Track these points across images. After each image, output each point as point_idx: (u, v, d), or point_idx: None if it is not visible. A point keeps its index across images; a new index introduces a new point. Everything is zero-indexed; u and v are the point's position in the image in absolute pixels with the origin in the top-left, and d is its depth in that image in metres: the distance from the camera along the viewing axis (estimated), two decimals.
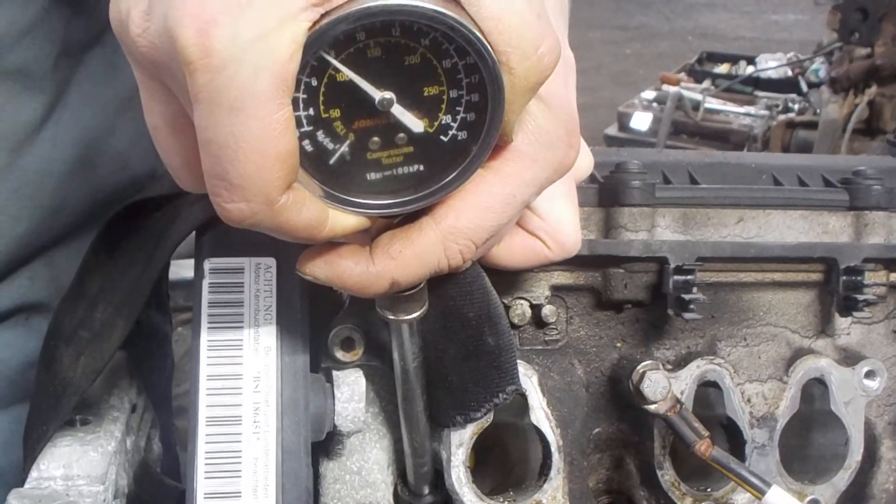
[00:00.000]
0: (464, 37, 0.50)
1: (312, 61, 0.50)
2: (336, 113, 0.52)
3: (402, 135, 0.54)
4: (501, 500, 0.76)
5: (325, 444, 0.75)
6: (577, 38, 0.61)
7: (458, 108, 0.54)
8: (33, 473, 0.73)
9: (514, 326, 0.78)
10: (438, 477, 0.76)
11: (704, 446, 0.74)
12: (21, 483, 0.73)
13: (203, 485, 0.65)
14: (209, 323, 0.68)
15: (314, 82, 0.51)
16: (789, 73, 4.57)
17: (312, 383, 0.70)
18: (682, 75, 4.77)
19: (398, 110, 0.53)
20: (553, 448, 0.75)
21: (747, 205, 0.82)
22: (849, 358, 0.84)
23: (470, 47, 0.50)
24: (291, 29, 0.47)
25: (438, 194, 0.56)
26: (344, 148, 0.54)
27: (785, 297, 0.84)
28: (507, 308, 0.77)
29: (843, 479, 0.82)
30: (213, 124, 0.49)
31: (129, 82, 1.18)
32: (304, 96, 0.51)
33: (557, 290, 0.79)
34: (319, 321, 0.73)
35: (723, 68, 4.82)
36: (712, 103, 4.20)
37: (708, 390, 0.80)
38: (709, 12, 10.46)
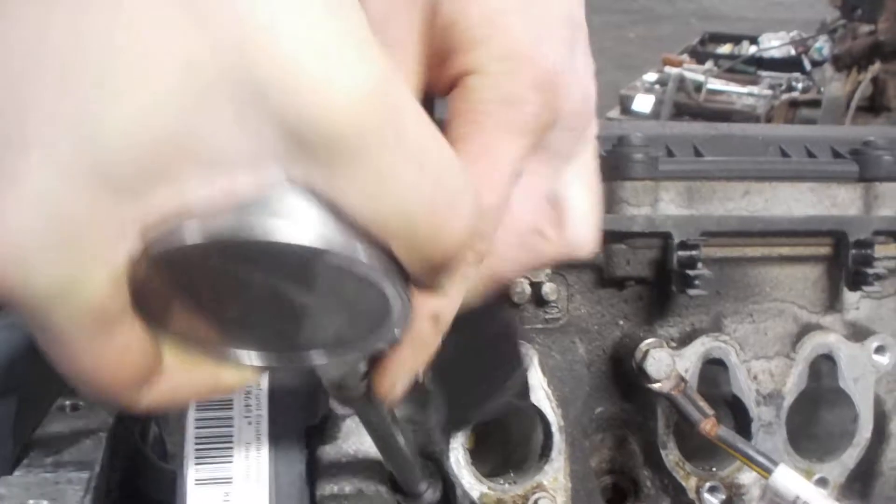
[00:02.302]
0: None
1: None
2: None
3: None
4: (501, 481, 0.74)
5: (322, 428, 0.73)
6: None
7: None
8: (24, 461, 0.72)
9: (513, 305, 0.76)
10: (434, 470, 0.73)
11: (710, 425, 0.72)
12: (10, 471, 0.72)
13: (194, 470, 0.63)
14: None
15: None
16: (792, 52, 4.53)
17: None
18: (685, 57, 4.73)
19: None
20: (554, 428, 0.73)
21: (753, 177, 0.80)
22: (858, 333, 0.82)
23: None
24: (109, 263, 0.38)
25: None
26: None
27: (792, 271, 0.81)
28: (507, 286, 0.75)
29: (851, 456, 0.80)
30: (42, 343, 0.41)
31: None
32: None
33: (558, 267, 0.77)
34: None
35: (725, 49, 4.78)
36: (715, 84, 4.16)
37: (713, 368, 0.78)
38: None
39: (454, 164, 0.40)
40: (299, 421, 0.67)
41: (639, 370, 0.74)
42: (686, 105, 4.06)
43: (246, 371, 0.45)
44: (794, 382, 0.79)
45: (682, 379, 0.75)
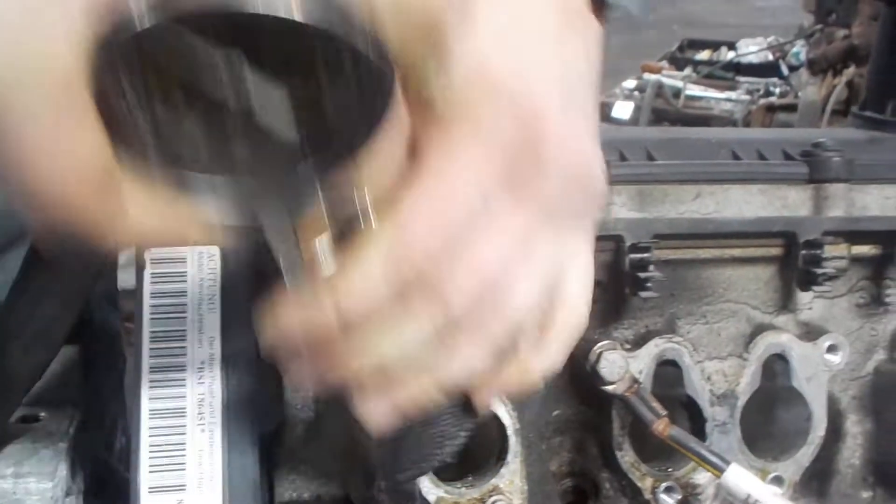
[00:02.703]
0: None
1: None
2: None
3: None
4: (459, 485, 0.74)
5: (279, 434, 0.74)
6: None
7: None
8: None
9: None
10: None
11: (662, 425, 0.73)
12: None
13: (146, 479, 0.63)
14: (151, 314, 0.67)
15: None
16: (770, 57, 4.56)
17: (261, 372, 0.69)
18: (664, 63, 4.76)
19: None
20: (509, 432, 0.74)
21: (704, 180, 0.81)
22: (811, 333, 0.83)
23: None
24: (68, 31, 0.37)
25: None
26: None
27: (745, 272, 0.82)
28: None
29: (806, 454, 0.81)
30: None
31: None
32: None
33: None
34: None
35: (704, 55, 4.81)
36: (693, 90, 4.19)
37: (668, 369, 0.79)
38: (693, 1, 10.47)
39: None
40: (254, 428, 0.67)
41: (593, 372, 0.75)
42: (665, 111, 4.09)
43: (203, 221, 0.43)
44: (747, 382, 0.80)
45: (636, 380, 0.75)
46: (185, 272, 0.67)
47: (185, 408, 0.65)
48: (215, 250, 0.68)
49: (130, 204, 0.41)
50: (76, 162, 0.40)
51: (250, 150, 0.41)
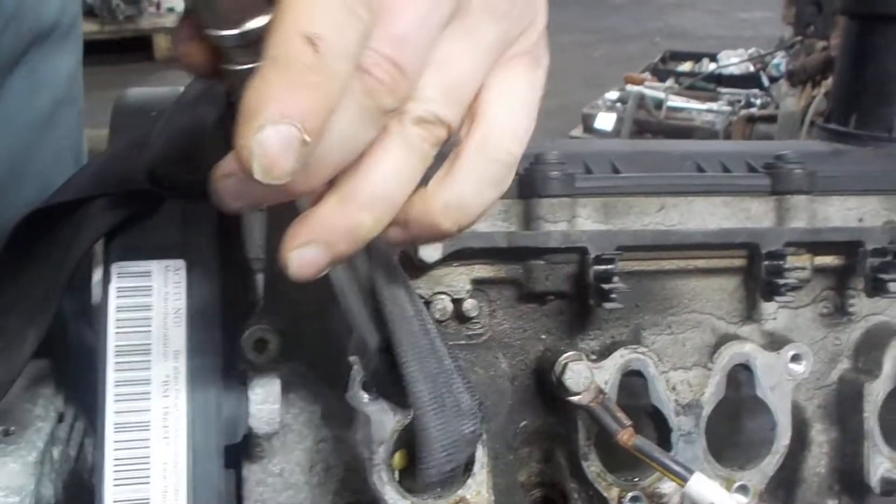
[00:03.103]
0: None
1: None
2: None
3: None
4: (426, 497, 0.75)
5: (246, 447, 0.74)
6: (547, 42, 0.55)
7: None
8: None
9: (436, 322, 0.78)
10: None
11: (627, 436, 0.74)
12: None
13: (112, 492, 0.64)
14: (116, 328, 0.67)
15: None
16: (751, 68, 4.60)
17: (226, 386, 0.69)
18: (647, 75, 4.79)
19: None
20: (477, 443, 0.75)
21: (668, 192, 0.82)
22: (776, 342, 0.84)
23: None
24: None
25: None
26: None
27: (709, 283, 0.83)
28: (428, 304, 0.77)
29: (770, 464, 0.82)
30: None
31: (47, 101, 1.18)
32: None
33: (479, 283, 0.78)
34: (237, 322, 0.73)
35: (686, 66, 4.85)
36: (675, 101, 4.22)
37: (634, 379, 0.80)
38: (677, 12, 10.53)
39: None
40: (219, 441, 0.67)
41: (558, 383, 0.76)
42: (647, 122, 4.12)
43: None
44: (711, 392, 0.81)
45: (601, 391, 0.76)
46: (151, 286, 0.68)
47: (149, 421, 0.65)
48: (181, 264, 0.69)
49: None
50: None
51: None
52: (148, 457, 0.65)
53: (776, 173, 0.83)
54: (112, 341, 0.66)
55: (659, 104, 4.13)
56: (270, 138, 0.40)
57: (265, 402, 0.70)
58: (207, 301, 0.69)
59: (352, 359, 0.69)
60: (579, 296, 0.79)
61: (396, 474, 0.79)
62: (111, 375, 0.66)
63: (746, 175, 0.84)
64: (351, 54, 0.42)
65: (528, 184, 0.78)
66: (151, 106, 0.75)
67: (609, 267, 0.76)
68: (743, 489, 0.81)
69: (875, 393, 0.85)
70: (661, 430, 0.81)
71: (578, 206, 0.79)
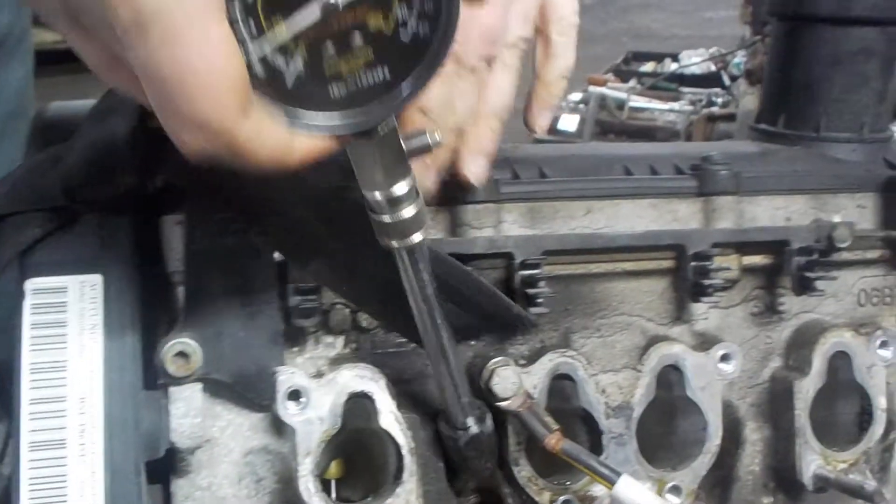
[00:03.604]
0: None
1: None
2: (279, 23, 0.49)
3: (357, 38, 0.51)
4: None
5: (172, 462, 0.74)
6: None
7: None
8: None
9: (362, 330, 0.78)
10: (484, 408, 0.75)
11: (554, 440, 0.74)
12: None
13: None
14: (31, 345, 0.66)
15: None
16: (713, 68, 4.64)
17: (145, 400, 0.69)
18: (610, 76, 4.82)
19: None
20: (405, 451, 0.75)
21: (595, 196, 0.82)
22: (706, 343, 0.84)
23: None
24: None
25: (406, 100, 0.53)
26: (298, 65, 0.50)
27: (638, 285, 0.84)
28: (355, 312, 0.77)
29: (703, 463, 0.82)
30: (147, 58, 0.46)
31: (10, 100, 1.16)
32: (241, 12, 0.48)
33: None
34: (157, 336, 0.72)
35: (648, 67, 4.88)
36: (637, 101, 4.25)
37: (564, 383, 0.80)
38: (643, 13, 10.59)
39: None
40: (139, 456, 0.67)
41: (487, 389, 0.76)
42: (609, 123, 4.14)
43: (315, 139, 0.52)
44: (642, 393, 0.81)
45: (530, 396, 0.76)
46: (67, 302, 0.67)
47: (65, 439, 0.65)
48: (97, 279, 0.68)
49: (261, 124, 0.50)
50: (222, 74, 0.46)
51: (344, 91, 0.52)
52: (65, 475, 0.64)
53: (702, 175, 0.84)
54: (27, 359, 0.65)
55: (621, 105, 4.15)
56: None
57: (186, 415, 0.69)
58: (125, 316, 0.68)
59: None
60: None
61: (333, 484, 0.79)
62: (26, 394, 0.65)
63: (673, 177, 0.85)
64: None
65: (454, 190, 0.78)
66: (72, 120, 0.74)
67: (535, 272, 0.77)
68: (675, 490, 0.82)
69: (805, 390, 0.86)
70: (592, 433, 0.81)
71: (504, 211, 0.79)
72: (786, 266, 0.85)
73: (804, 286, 0.84)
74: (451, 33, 0.52)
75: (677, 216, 0.84)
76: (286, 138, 0.52)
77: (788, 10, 0.94)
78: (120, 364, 0.67)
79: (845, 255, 0.88)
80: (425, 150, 0.59)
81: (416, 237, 0.61)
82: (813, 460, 0.86)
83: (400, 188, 0.57)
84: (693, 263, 0.81)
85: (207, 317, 0.70)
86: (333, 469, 0.79)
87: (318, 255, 0.69)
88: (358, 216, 0.60)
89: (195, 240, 0.69)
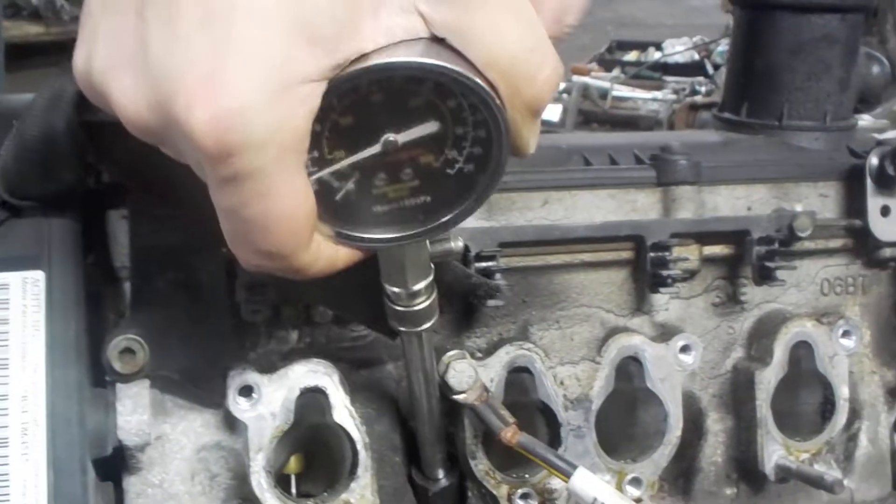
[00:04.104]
0: (463, 87, 0.50)
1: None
2: (340, 154, 0.52)
3: (408, 170, 0.54)
4: (310, 502, 0.74)
5: (124, 459, 0.73)
6: None
7: (463, 144, 0.54)
8: None
9: (316, 325, 0.77)
10: (453, 459, 0.79)
11: (510, 433, 0.73)
12: None
13: None
14: None
15: (317, 128, 0.50)
16: (696, 56, 4.63)
17: (91, 398, 0.67)
18: (593, 65, 4.81)
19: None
20: (359, 446, 0.74)
21: (553, 187, 0.81)
22: (667, 334, 0.84)
23: (472, 95, 0.50)
24: (306, 108, 0.47)
25: (446, 226, 0.56)
26: (350, 185, 0.54)
27: (597, 276, 0.83)
28: (308, 308, 0.76)
29: (663, 455, 0.82)
30: (237, 204, 0.49)
31: None
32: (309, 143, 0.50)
33: None
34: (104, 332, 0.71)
35: (632, 56, 4.87)
36: (621, 91, 4.24)
37: (523, 376, 0.80)
38: (629, 1, 10.57)
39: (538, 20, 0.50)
40: (84, 455, 0.66)
41: (443, 382, 0.75)
42: (593, 113, 4.13)
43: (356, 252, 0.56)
44: (601, 385, 0.81)
45: (486, 389, 0.75)
46: (9, 299, 0.66)
47: (7, 438, 0.63)
48: (40, 275, 0.67)
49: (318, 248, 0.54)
50: (301, 220, 0.51)
51: (387, 209, 0.55)
52: (7, 474, 0.63)
53: (661, 165, 0.83)
54: None
55: (604, 94, 4.15)
56: None
57: (133, 413, 0.68)
58: (69, 312, 0.67)
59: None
60: (463, 294, 0.78)
61: (293, 479, 0.78)
62: None
63: (632, 167, 0.84)
64: None
65: None
66: (14, 113, 0.72)
67: (490, 264, 0.76)
68: (635, 482, 0.81)
69: (766, 380, 0.85)
70: (551, 426, 0.80)
71: None
72: (746, 256, 0.84)
73: (764, 276, 0.84)
74: (498, 176, 0.55)
75: (636, 206, 0.83)
76: (334, 255, 0.56)
77: None
78: (64, 361, 0.66)
79: (807, 245, 0.88)
80: (449, 255, 0.63)
81: (426, 326, 0.65)
82: (775, 451, 0.86)
83: (419, 286, 0.62)
84: (652, 254, 0.80)
85: (154, 313, 0.69)
86: (293, 464, 0.78)
87: None
88: None
89: (139, 235, 0.68)
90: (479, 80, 0.49)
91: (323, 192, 0.53)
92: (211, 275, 0.69)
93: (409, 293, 0.63)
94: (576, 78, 4.34)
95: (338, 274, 0.57)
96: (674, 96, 4.15)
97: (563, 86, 4.44)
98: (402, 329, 0.66)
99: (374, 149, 0.52)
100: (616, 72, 4.57)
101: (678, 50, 4.68)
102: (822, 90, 0.91)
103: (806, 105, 0.92)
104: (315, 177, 0.52)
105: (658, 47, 4.84)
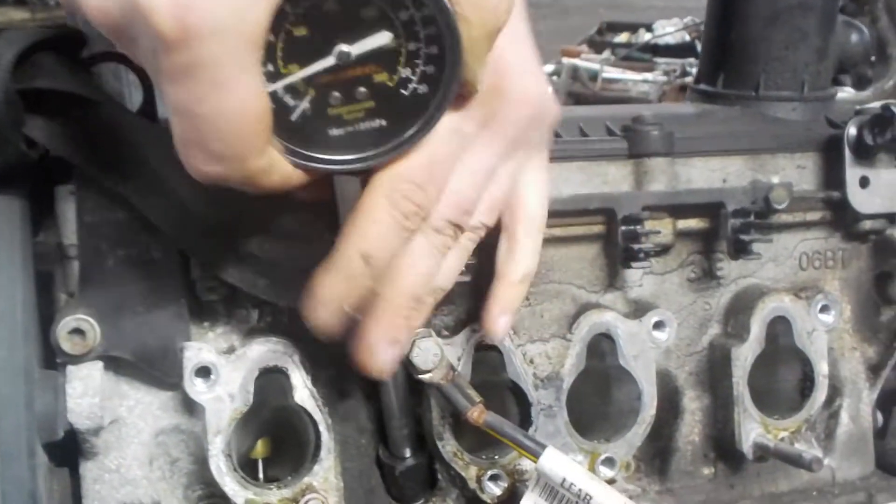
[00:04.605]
0: None
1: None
2: (294, 69, 0.52)
3: (362, 89, 0.54)
4: (271, 486, 0.72)
5: (72, 444, 0.70)
6: None
7: (416, 61, 0.54)
8: None
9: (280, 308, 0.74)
10: (420, 439, 0.77)
11: (477, 413, 0.71)
12: None
13: None
14: None
15: (271, 38, 0.50)
16: (687, 37, 4.59)
17: (40, 380, 0.65)
18: (584, 47, 4.76)
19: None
20: (322, 427, 0.72)
21: None
22: (640, 310, 0.81)
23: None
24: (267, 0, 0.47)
25: (401, 148, 0.57)
26: (305, 104, 0.54)
27: (567, 251, 0.81)
28: None
29: (637, 434, 0.80)
30: (189, 97, 0.48)
31: None
32: (263, 53, 0.50)
33: None
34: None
35: (622, 37, 4.82)
36: (611, 72, 4.19)
37: (492, 354, 0.77)
38: None
39: None
40: (31, 438, 0.64)
41: (407, 361, 0.73)
42: (583, 95, 4.09)
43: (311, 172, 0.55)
44: (572, 363, 0.79)
45: (453, 368, 0.73)
46: None
47: None
48: None
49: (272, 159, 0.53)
50: (254, 119, 0.50)
51: (343, 133, 0.55)
52: None
53: (632, 136, 0.81)
54: None
55: (594, 76, 4.11)
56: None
57: (84, 395, 0.66)
58: (15, 292, 0.64)
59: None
60: None
61: (261, 463, 0.76)
62: None
63: (602, 139, 0.82)
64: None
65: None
66: None
67: None
68: (609, 461, 0.79)
69: (743, 357, 0.83)
70: (521, 405, 0.78)
71: None
72: (721, 229, 0.82)
73: (740, 250, 0.82)
74: (450, 95, 0.55)
75: (607, 179, 0.81)
76: (290, 170, 0.55)
77: None
78: (10, 343, 0.64)
79: (784, 218, 0.85)
80: None
81: None
82: (753, 429, 0.84)
83: None
84: (623, 227, 0.78)
85: (105, 291, 0.67)
86: (260, 448, 0.76)
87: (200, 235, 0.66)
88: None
89: (87, 211, 0.66)
90: None
91: (279, 111, 0.52)
92: (163, 252, 0.67)
93: None
94: (565, 60, 4.29)
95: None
96: (664, 78, 4.10)
97: (552, 67, 4.40)
98: None
99: (328, 60, 0.52)
100: (606, 53, 4.53)
101: (669, 31, 4.63)
102: (798, 59, 0.89)
103: (783, 75, 0.89)
104: (270, 89, 0.51)
105: (648, 29, 4.79)
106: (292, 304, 0.63)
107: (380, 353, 0.61)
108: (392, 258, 0.59)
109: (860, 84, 1.15)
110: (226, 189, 0.54)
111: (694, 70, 4.15)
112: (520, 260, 0.69)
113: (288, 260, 0.64)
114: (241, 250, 0.63)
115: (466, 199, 0.62)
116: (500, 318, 0.70)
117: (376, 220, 0.58)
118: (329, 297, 0.59)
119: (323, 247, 0.60)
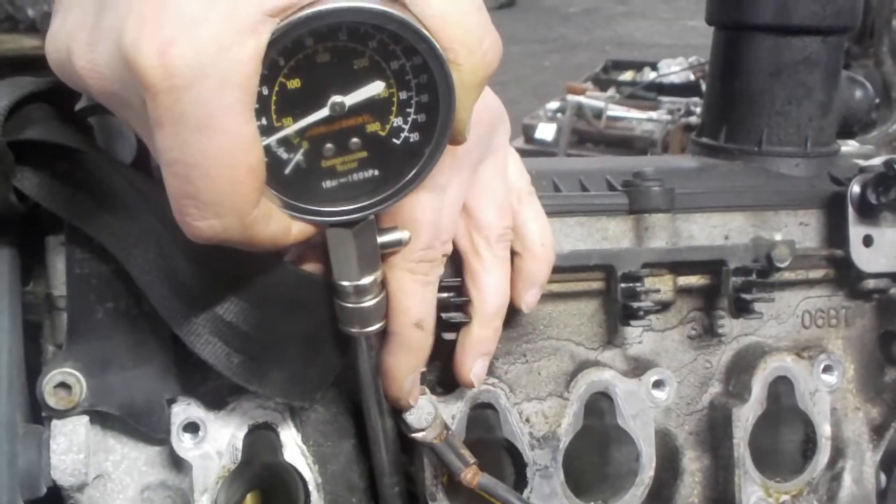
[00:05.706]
0: (412, 36, 0.51)
1: (264, 70, 0.49)
2: (288, 121, 0.52)
3: (355, 139, 0.55)
4: None
5: (63, 500, 0.69)
6: None
7: (408, 110, 0.55)
8: None
9: None
10: (413, 498, 0.75)
11: (471, 474, 0.70)
12: None
13: None
14: None
15: (265, 91, 0.51)
16: (692, 77, 4.61)
17: (24, 436, 0.64)
18: (589, 84, 4.78)
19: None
20: (311, 486, 0.70)
21: None
22: (639, 368, 0.80)
23: (419, 46, 0.51)
24: (254, 40, 0.47)
25: (394, 198, 0.57)
26: (299, 157, 0.54)
27: (566, 308, 0.80)
28: None
29: (635, 496, 0.78)
30: (179, 145, 0.47)
31: None
32: (257, 106, 0.50)
33: None
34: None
35: (627, 75, 4.85)
36: (616, 111, 4.21)
37: (488, 412, 0.76)
38: (627, 21, 10.58)
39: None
40: (14, 496, 0.62)
41: (400, 419, 0.71)
42: (587, 132, 4.11)
43: (308, 227, 0.55)
44: (569, 423, 0.77)
45: (447, 427, 0.72)
46: None
47: None
48: None
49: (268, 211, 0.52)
50: (247, 167, 0.49)
51: (336, 185, 0.56)
52: None
53: (634, 191, 0.80)
54: None
55: (598, 114, 4.12)
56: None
57: (69, 451, 0.64)
58: (0, 344, 0.63)
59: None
60: None
61: None
62: None
63: (603, 194, 0.81)
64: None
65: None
66: None
67: (453, 294, 0.72)
68: None
69: (744, 418, 0.81)
70: (517, 465, 0.77)
71: None
72: (722, 287, 0.81)
73: (741, 308, 0.80)
74: (444, 142, 0.55)
75: (607, 235, 0.80)
76: (286, 224, 0.55)
77: (728, 18, 0.91)
78: None
79: (787, 275, 0.84)
80: (397, 245, 0.61)
81: (375, 327, 0.63)
82: (753, 492, 0.82)
83: (368, 279, 0.61)
84: (622, 284, 0.77)
85: (93, 345, 0.65)
86: (249, 502, 0.75)
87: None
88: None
89: (77, 263, 0.64)
90: (426, 31, 0.50)
91: (273, 165, 0.52)
92: (150, 305, 0.66)
93: (358, 287, 0.61)
94: (570, 97, 4.31)
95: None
96: (669, 117, 4.12)
97: (557, 105, 4.42)
98: (352, 331, 0.63)
99: (322, 112, 0.52)
100: (611, 91, 4.55)
101: (674, 70, 4.66)
102: (802, 114, 0.88)
103: (786, 130, 0.89)
104: (264, 143, 0.51)
105: (654, 67, 4.81)
106: (261, 391, 0.63)
107: (476, 367, 0.69)
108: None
109: (865, 128, 1.14)
110: (215, 248, 0.53)
111: (698, 109, 4.17)
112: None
113: (268, 332, 0.62)
114: (221, 319, 0.61)
115: (444, 230, 0.64)
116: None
117: (409, 292, 0.63)
118: (405, 371, 0.66)
119: (310, 313, 0.59)
